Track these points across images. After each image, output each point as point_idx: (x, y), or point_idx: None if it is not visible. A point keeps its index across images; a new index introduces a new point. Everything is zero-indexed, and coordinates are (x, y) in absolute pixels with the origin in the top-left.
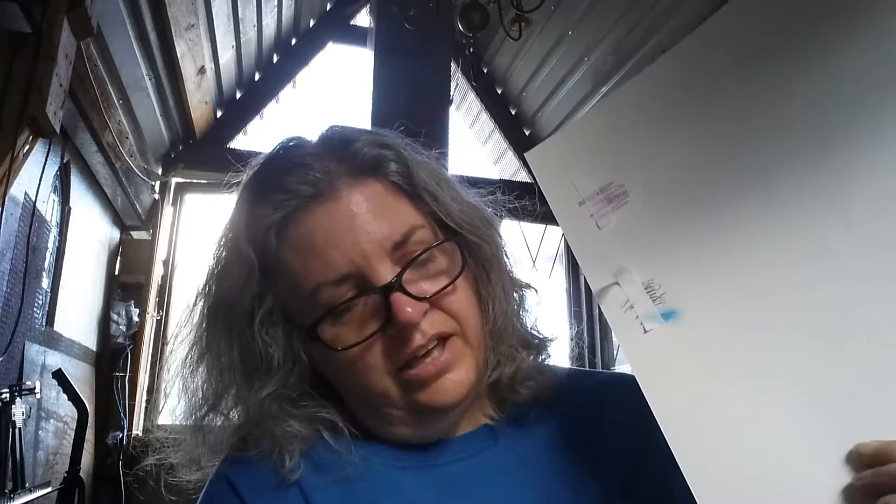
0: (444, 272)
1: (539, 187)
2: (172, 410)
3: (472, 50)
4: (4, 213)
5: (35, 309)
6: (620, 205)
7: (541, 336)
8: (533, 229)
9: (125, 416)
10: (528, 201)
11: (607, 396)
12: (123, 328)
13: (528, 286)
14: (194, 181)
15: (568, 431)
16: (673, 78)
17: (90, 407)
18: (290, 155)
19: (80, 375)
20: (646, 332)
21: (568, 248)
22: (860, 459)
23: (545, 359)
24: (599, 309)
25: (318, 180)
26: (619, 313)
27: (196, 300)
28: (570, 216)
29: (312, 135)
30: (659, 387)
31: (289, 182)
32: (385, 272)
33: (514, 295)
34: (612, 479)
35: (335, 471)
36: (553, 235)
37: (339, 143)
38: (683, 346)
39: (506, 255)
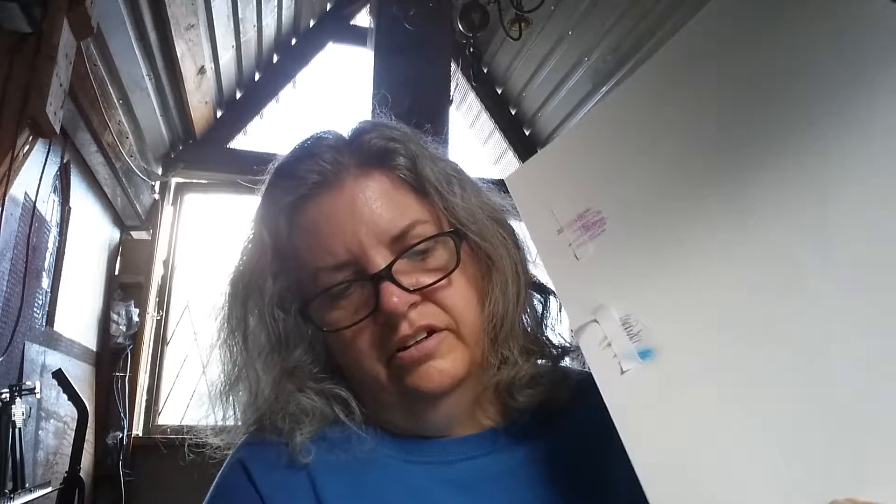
0: (442, 267)
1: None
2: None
3: (472, 50)
4: (4, 213)
5: (35, 309)
6: (598, 233)
7: (551, 343)
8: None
9: (125, 416)
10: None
11: None
12: (123, 328)
13: (550, 292)
14: (194, 181)
15: (574, 439)
16: (649, 95)
17: (90, 407)
18: (309, 145)
19: (80, 375)
20: (623, 372)
21: None
22: None
23: (555, 365)
24: None
25: (326, 169)
26: (597, 351)
27: (227, 277)
28: (549, 246)
29: (344, 128)
30: (635, 430)
31: (300, 169)
32: (380, 261)
33: (526, 299)
34: (620, 488)
35: (346, 452)
36: None
37: (353, 135)
38: (659, 387)
39: (516, 258)
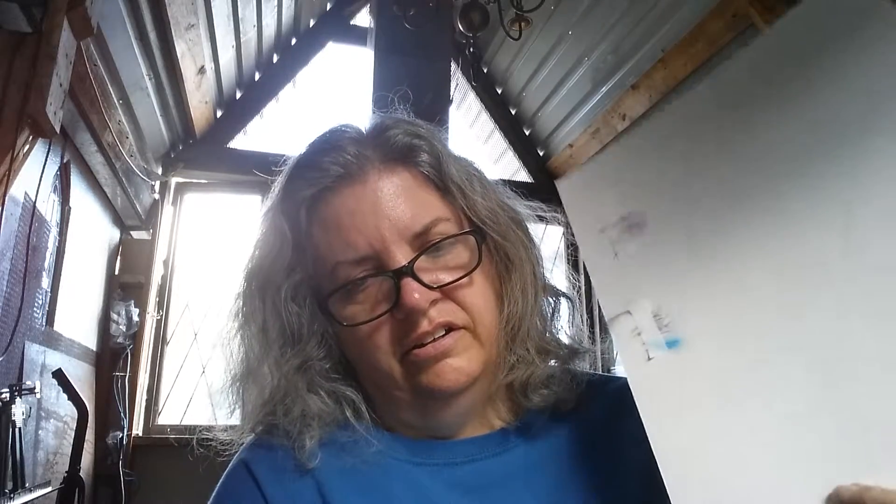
0: (463, 265)
1: (567, 216)
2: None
3: (472, 50)
4: (4, 213)
5: (35, 309)
6: (639, 233)
7: (564, 345)
8: (531, 229)
9: (125, 416)
10: (527, 201)
11: (625, 404)
12: (123, 328)
13: (562, 294)
14: (194, 181)
15: (583, 441)
16: (696, 113)
17: (90, 407)
18: (332, 137)
19: (80, 375)
20: (649, 359)
21: (568, 247)
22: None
23: (565, 366)
24: (600, 309)
25: (349, 163)
26: (627, 340)
27: (242, 269)
28: (591, 244)
29: (363, 122)
30: (656, 413)
31: (323, 161)
32: (401, 257)
33: (543, 300)
34: (628, 490)
35: (353, 455)
36: (553, 235)
37: (376, 130)
38: (683, 374)
39: (535, 259)
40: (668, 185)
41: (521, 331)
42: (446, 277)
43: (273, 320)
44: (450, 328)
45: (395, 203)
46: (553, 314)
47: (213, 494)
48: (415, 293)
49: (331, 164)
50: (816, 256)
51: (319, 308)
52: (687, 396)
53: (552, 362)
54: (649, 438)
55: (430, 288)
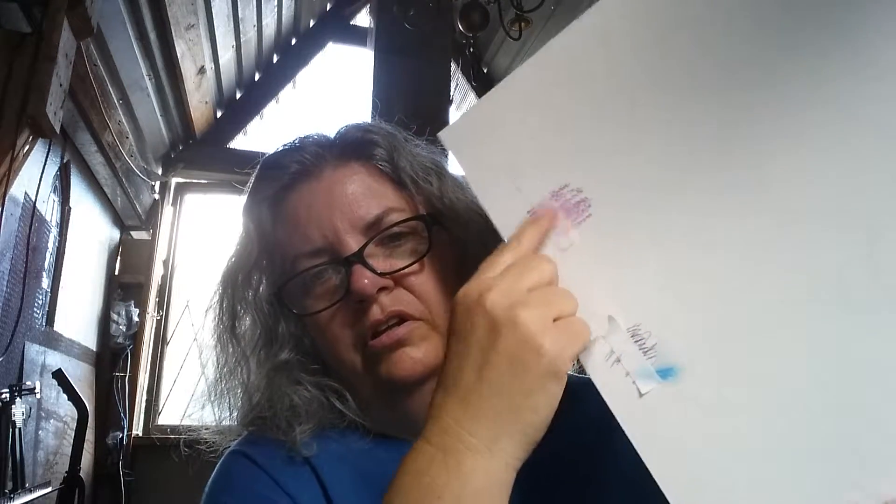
0: (416, 254)
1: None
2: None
3: (472, 50)
4: (4, 213)
5: (35, 309)
6: (582, 218)
7: None
8: None
9: (125, 416)
10: None
11: (608, 413)
12: (123, 328)
13: None
14: (194, 181)
15: (569, 447)
16: (638, 28)
17: (90, 407)
18: (295, 142)
19: (80, 375)
20: (642, 395)
21: None
22: None
23: None
24: None
25: (306, 160)
26: (605, 368)
27: (219, 273)
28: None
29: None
30: (668, 463)
31: (283, 160)
32: (353, 245)
33: None
34: (613, 496)
35: (344, 444)
36: None
37: (336, 133)
38: (690, 412)
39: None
40: (607, 144)
41: None
42: (398, 264)
43: (249, 322)
44: (403, 318)
45: (348, 195)
46: None
47: (215, 488)
48: (363, 279)
49: (290, 161)
50: (831, 268)
51: (276, 298)
52: (703, 440)
53: None
54: (665, 493)
55: (379, 274)
